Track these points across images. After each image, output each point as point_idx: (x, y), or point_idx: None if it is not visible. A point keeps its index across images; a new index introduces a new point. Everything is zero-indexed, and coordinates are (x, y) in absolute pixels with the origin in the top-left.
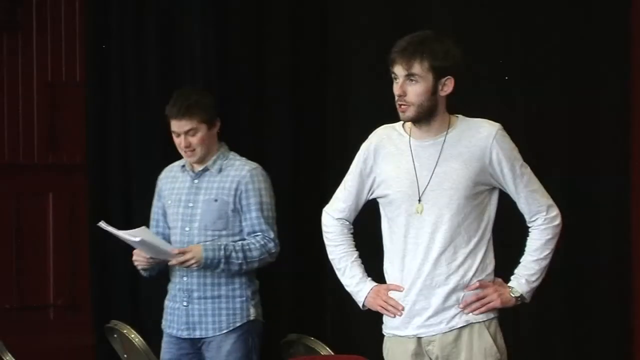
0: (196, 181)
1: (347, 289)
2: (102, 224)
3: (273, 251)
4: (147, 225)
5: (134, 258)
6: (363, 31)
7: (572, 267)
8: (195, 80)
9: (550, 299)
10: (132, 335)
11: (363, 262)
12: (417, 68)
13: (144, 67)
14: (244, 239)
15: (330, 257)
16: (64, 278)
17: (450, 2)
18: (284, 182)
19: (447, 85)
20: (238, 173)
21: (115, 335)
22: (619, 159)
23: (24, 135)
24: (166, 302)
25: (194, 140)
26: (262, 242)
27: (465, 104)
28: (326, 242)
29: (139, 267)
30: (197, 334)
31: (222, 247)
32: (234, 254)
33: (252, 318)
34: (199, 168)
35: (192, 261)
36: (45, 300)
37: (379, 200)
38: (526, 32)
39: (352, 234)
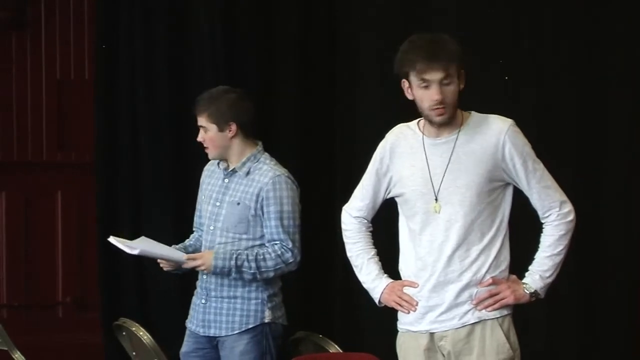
0: (226, 181)
1: (364, 285)
2: (112, 239)
3: (290, 261)
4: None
5: (159, 260)
6: (372, 30)
7: (581, 264)
8: (204, 79)
9: (557, 297)
10: (141, 333)
11: (380, 261)
12: (452, 69)
13: (153, 65)
14: (263, 246)
15: (348, 254)
16: (73, 276)
17: None
18: None
19: (463, 80)
20: (261, 179)
21: (123, 333)
22: (628, 158)
23: (32, 133)
24: (193, 298)
25: (206, 137)
26: (279, 252)
27: (472, 102)
28: (344, 239)
29: (165, 269)
30: (212, 332)
31: (235, 256)
32: (246, 264)
33: (266, 320)
34: (230, 168)
35: (202, 267)
36: (54, 298)
37: (396, 199)
38: (533, 28)
39: (370, 232)
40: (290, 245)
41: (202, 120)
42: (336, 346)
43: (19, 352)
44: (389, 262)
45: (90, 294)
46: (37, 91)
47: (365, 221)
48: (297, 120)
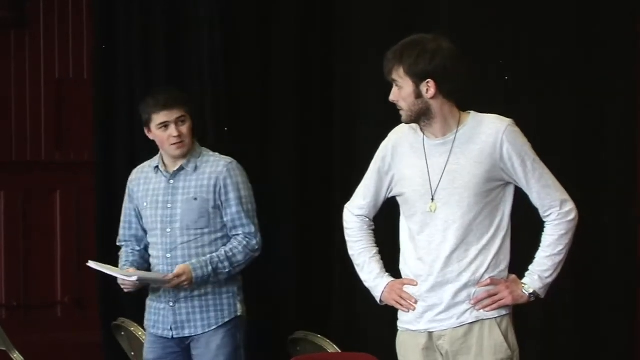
0: (172, 181)
1: (365, 284)
2: (91, 264)
3: (256, 247)
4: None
5: (119, 282)
6: (372, 30)
7: (580, 265)
8: (202, 79)
9: (557, 298)
10: (140, 333)
11: (382, 259)
12: (395, 74)
13: (151, 64)
14: (225, 238)
15: (350, 252)
16: (71, 275)
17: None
18: (290, 183)
19: (430, 88)
20: (214, 169)
21: (122, 333)
22: (628, 157)
23: (31, 132)
24: (148, 302)
25: (184, 129)
26: (244, 243)
27: (473, 102)
28: (346, 238)
29: (125, 291)
30: (186, 333)
31: (208, 261)
32: (220, 265)
33: (239, 314)
34: (173, 168)
35: (186, 283)
36: (53, 297)
37: (397, 198)
38: (533, 28)
39: (372, 230)
40: (252, 231)
41: (181, 111)
42: (334, 346)
43: (17, 352)
44: (390, 260)
45: (89, 293)
46: (36, 90)
47: (367, 219)
48: (296, 120)
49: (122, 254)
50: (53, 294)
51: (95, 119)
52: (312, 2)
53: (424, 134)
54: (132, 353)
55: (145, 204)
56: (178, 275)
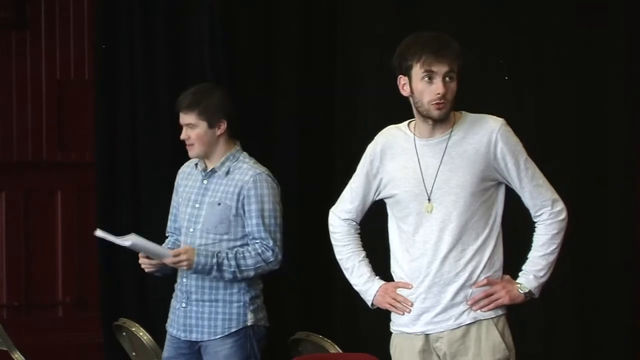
0: (205, 182)
1: (356, 288)
2: (99, 232)
3: (271, 260)
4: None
5: (140, 261)
6: (372, 30)
7: (579, 265)
8: (204, 79)
9: (556, 298)
10: (141, 334)
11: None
12: (455, 66)
13: (153, 64)
14: (245, 245)
15: (337, 257)
16: (73, 276)
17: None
18: (291, 182)
19: (459, 81)
20: (242, 177)
21: (123, 333)
22: (628, 158)
23: (32, 133)
24: (172, 301)
25: (192, 134)
26: (259, 251)
27: (473, 102)
28: (333, 242)
29: (146, 271)
30: (194, 337)
31: (215, 254)
32: (226, 262)
33: (249, 324)
34: (209, 168)
35: (184, 263)
36: (54, 298)
37: (386, 200)
38: (533, 28)
39: (359, 234)
40: (271, 244)
41: (190, 118)
42: (336, 346)
43: (18, 352)
44: (378, 264)
45: (90, 294)
46: (37, 91)
47: (354, 223)
48: (297, 120)
49: (167, 243)
50: (54, 294)
51: (97, 120)
52: (313, 0)
53: (414, 134)
54: (133, 353)
55: (181, 200)
56: (178, 254)
